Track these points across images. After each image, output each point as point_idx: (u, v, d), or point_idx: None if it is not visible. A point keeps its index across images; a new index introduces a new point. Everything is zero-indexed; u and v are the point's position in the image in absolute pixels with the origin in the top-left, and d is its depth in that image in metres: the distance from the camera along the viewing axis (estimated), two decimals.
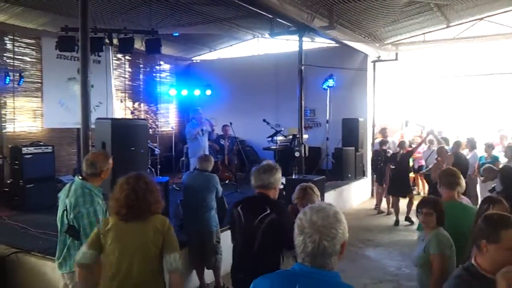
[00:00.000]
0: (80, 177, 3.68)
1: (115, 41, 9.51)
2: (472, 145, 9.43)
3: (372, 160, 10.57)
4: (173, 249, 2.98)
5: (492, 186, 6.74)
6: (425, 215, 3.56)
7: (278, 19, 8.59)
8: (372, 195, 11.66)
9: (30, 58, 10.51)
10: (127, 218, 2.95)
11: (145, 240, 2.92)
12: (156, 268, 2.97)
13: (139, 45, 9.64)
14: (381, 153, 10.06)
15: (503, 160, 8.35)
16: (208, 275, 5.87)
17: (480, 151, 9.24)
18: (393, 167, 9.27)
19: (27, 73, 10.25)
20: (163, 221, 3.03)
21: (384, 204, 10.18)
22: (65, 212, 3.57)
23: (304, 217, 1.83)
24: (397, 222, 9.15)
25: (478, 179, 8.58)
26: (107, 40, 9.16)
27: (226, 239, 6.19)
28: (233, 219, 3.48)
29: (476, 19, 10.59)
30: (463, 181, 4.04)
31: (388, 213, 9.93)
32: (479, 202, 8.98)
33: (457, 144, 8.90)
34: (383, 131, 11.34)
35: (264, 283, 1.88)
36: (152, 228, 2.96)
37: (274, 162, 3.54)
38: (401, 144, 9.42)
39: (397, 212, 9.24)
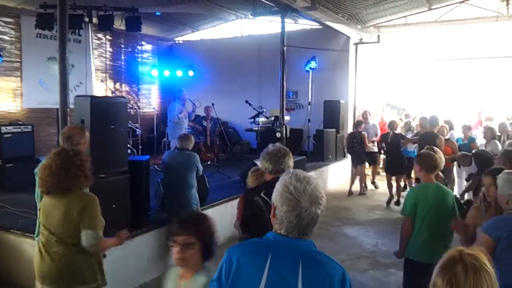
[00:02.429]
0: None
1: (95, 20, 9.38)
2: (449, 126, 9.58)
3: (348, 142, 10.51)
4: (86, 226, 2.97)
5: (469, 174, 6.93)
6: (182, 248, 2.17)
7: None
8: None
9: (9, 37, 10.32)
10: (43, 190, 3.04)
11: (61, 214, 2.97)
12: (75, 242, 2.99)
13: (119, 23, 9.51)
14: (356, 135, 10.09)
15: (481, 142, 8.47)
16: None
17: (458, 133, 9.40)
18: (384, 149, 9.33)
19: (6, 52, 10.07)
20: (81, 198, 3.02)
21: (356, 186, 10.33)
22: None
23: (295, 190, 1.77)
24: (389, 201, 9.12)
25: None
26: (86, 19, 9.03)
27: None
28: (257, 208, 3.04)
29: (457, 2, 10.70)
30: (441, 163, 4.14)
31: (361, 193, 10.11)
32: (455, 185, 9.25)
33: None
34: (364, 114, 11.42)
35: (237, 252, 1.86)
36: (72, 204, 2.98)
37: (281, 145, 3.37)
38: (391, 125, 9.32)
39: (390, 189, 9.16)
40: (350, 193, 10.17)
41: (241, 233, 3.38)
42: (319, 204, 1.78)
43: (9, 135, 8.05)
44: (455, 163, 8.15)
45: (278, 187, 1.83)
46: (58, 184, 2.96)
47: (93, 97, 5.19)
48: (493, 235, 2.82)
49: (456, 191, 9.20)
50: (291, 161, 3.24)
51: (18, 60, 10.44)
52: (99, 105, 4.98)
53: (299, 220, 1.75)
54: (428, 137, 7.56)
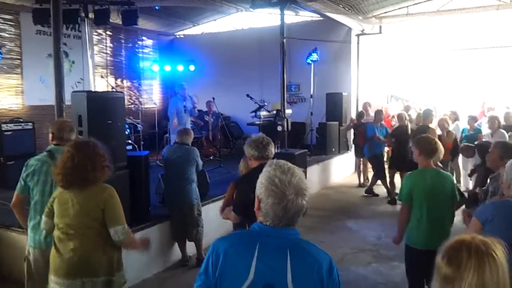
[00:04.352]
0: (55, 144, 3.76)
1: (91, 15, 9.31)
2: (455, 117, 9.54)
3: (354, 134, 10.51)
4: (114, 222, 2.93)
5: (474, 164, 6.84)
6: None
7: None
8: (355, 169, 11.68)
9: (9, 34, 10.30)
10: (64, 185, 2.94)
11: (78, 207, 2.90)
12: (98, 237, 2.93)
13: (115, 17, 9.44)
14: (359, 126, 10.00)
15: (486, 132, 8.38)
16: (190, 247, 5.91)
17: (464, 123, 9.33)
18: (394, 140, 8.90)
19: (6, 49, 10.05)
20: (102, 191, 2.97)
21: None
22: None
23: (280, 183, 1.75)
24: (393, 200, 8.41)
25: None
26: (82, 13, 8.96)
27: (207, 212, 6.23)
28: (247, 196, 2.92)
29: None
30: (440, 150, 4.01)
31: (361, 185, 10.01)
32: (462, 176, 9.12)
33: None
34: (364, 107, 11.32)
35: (223, 244, 1.83)
36: (91, 197, 2.92)
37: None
38: (400, 117, 9.07)
39: (393, 188, 8.71)
40: (362, 184, 10.09)
41: (238, 219, 3.38)
42: (304, 196, 1.79)
43: (10, 132, 8.03)
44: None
45: (262, 179, 1.81)
46: (83, 177, 2.89)
47: (89, 92, 5.14)
48: (481, 218, 2.78)
49: (462, 183, 9.12)
50: (273, 149, 3.52)
51: (19, 57, 10.42)
52: (95, 100, 4.93)
53: (285, 212, 1.75)
54: (421, 130, 7.63)
